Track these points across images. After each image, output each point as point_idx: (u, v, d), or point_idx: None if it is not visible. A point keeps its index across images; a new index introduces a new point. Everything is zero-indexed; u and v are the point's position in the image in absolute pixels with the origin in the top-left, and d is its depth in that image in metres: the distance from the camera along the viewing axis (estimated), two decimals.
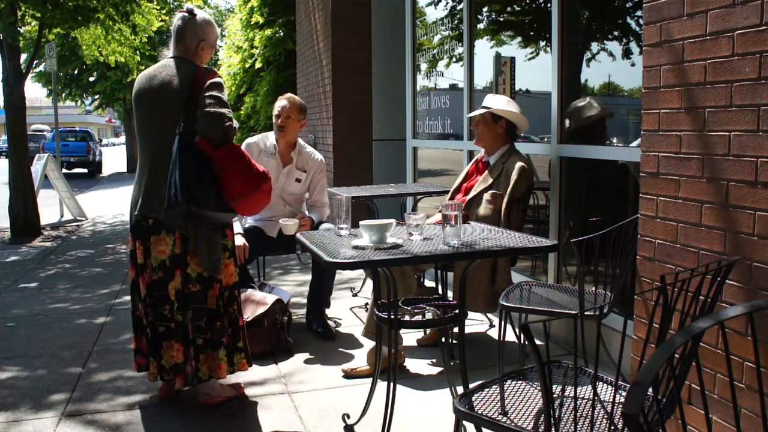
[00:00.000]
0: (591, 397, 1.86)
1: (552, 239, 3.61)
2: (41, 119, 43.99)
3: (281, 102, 4.04)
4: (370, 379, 2.80)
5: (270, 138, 4.06)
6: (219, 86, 2.76)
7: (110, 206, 12.23)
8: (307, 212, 4.14)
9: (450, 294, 4.00)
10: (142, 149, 2.89)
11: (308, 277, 4.42)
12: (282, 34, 11.17)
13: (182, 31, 2.87)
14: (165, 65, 2.86)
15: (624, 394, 1.84)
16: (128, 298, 4.96)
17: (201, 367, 2.87)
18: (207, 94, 2.70)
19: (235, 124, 2.77)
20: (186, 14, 2.88)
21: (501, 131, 3.56)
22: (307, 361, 3.52)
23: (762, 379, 1.60)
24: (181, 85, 2.76)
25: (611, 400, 1.72)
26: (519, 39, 4.66)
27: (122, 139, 51.79)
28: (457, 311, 2.64)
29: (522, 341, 3.20)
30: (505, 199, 3.37)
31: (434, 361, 3.45)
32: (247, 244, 3.73)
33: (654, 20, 2.32)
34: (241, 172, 2.75)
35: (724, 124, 2.05)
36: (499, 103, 3.58)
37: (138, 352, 2.98)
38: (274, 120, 4.03)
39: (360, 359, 3.48)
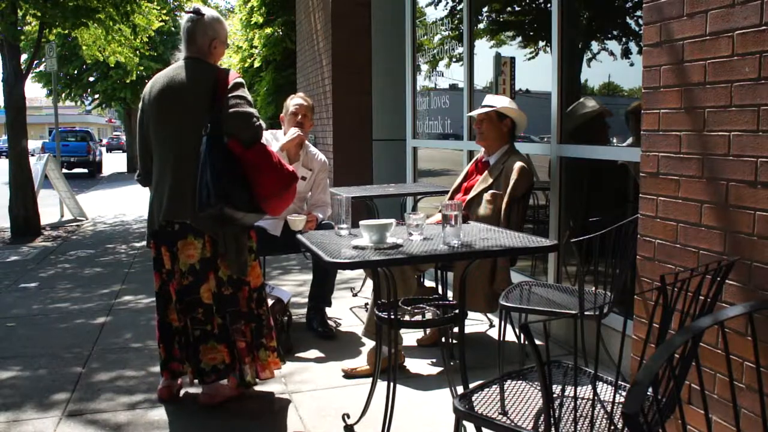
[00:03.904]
0: (591, 397, 1.86)
1: (552, 239, 3.61)
2: (41, 119, 44.02)
3: (297, 100, 4.03)
4: (370, 379, 2.80)
5: (280, 136, 4.05)
6: (243, 86, 2.77)
7: (110, 206, 12.23)
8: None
9: (450, 294, 4.01)
10: (160, 152, 2.84)
11: (308, 276, 4.43)
12: (281, 33, 11.18)
13: (192, 31, 2.85)
14: (181, 66, 2.84)
15: (624, 394, 1.84)
16: (128, 298, 5.02)
17: (249, 370, 2.89)
18: (233, 94, 2.70)
19: (263, 123, 2.78)
20: (194, 15, 2.86)
21: (506, 130, 3.57)
22: (307, 361, 3.53)
23: (762, 379, 1.60)
24: (203, 85, 2.75)
25: (611, 400, 1.72)
26: (519, 39, 4.66)
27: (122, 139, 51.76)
28: (457, 311, 2.64)
29: (522, 341, 3.20)
30: (505, 199, 3.37)
31: (434, 361, 3.45)
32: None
33: (654, 20, 2.32)
34: (273, 171, 2.75)
35: (724, 124, 2.05)
36: (503, 102, 3.59)
37: (170, 360, 2.95)
38: (289, 117, 4.01)
39: (360, 359, 3.48)
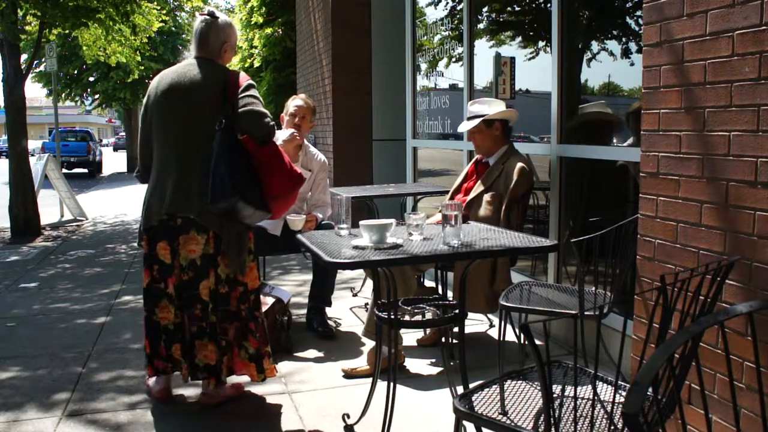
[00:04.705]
0: (591, 397, 1.86)
1: (552, 239, 3.61)
2: (41, 119, 44.03)
3: (297, 102, 4.04)
4: (370, 379, 2.80)
5: (278, 135, 4.04)
6: (255, 87, 2.83)
7: (110, 206, 12.23)
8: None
9: (450, 294, 4.01)
10: (164, 147, 2.84)
11: (308, 276, 4.43)
12: (281, 33, 11.18)
13: (205, 33, 2.88)
14: (191, 65, 2.86)
15: (624, 394, 1.84)
16: (128, 298, 5.02)
17: (224, 368, 2.89)
18: (246, 93, 2.75)
19: (275, 124, 2.82)
20: (208, 17, 2.91)
21: (498, 134, 3.56)
22: (307, 361, 3.53)
23: (762, 379, 1.60)
24: (215, 85, 2.78)
25: (611, 400, 1.72)
26: (519, 39, 4.66)
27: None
28: (457, 311, 2.64)
29: (522, 341, 3.20)
30: (505, 200, 3.37)
31: (434, 361, 3.45)
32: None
33: (654, 20, 2.32)
34: (283, 171, 2.78)
35: (724, 124, 2.05)
36: (486, 108, 3.57)
37: (154, 357, 2.95)
38: (288, 118, 4.02)
39: (360, 359, 3.49)
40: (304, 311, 4.18)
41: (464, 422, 2.03)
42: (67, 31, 9.23)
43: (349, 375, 3.27)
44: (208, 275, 2.81)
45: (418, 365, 3.40)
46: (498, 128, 3.55)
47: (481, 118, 3.52)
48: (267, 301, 3.59)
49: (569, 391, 1.89)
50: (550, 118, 3.76)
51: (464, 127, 3.65)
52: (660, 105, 2.31)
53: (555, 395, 1.81)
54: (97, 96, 23.19)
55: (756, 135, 1.94)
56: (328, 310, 4.09)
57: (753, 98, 1.94)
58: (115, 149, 47.10)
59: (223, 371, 2.89)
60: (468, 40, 4.84)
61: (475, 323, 4.04)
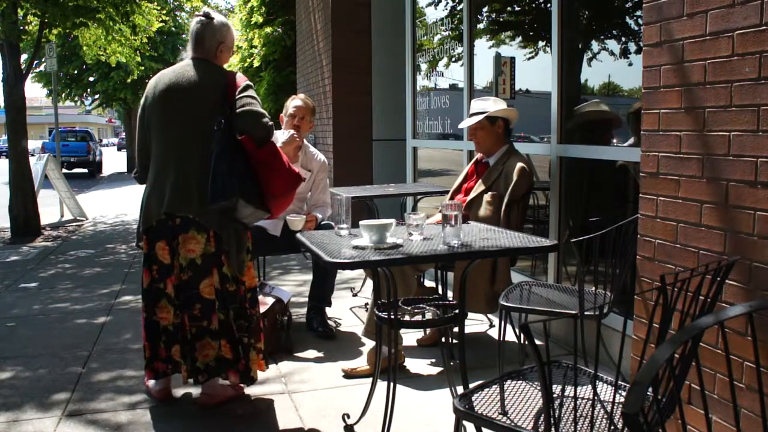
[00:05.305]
0: (591, 397, 1.86)
1: (552, 239, 3.61)
2: (41, 119, 44.04)
3: (296, 102, 4.03)
4: (370, 379, 2.80)
5: (278, 136, 4.04)
6: (252, 88, 2.84)
7: (110, 206, 12.24)
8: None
9: (450, 294, 4.00)
10: (163, 147, 2.84)
11: (308, 277, 4.43)
12: (280, 31, 11.18)
13: (201, 34, 2.88)
14: (189, 65, 2.87)
15: (624, 394, 1.84)
16: (128, 298, 5.02)
17: (252, 366, 2.91)
18: (244, 94, 2.76)
19: (273, 124, 2.83)
20: (204, 18, 2.90)
21: (500, 131, 3.56)
22: (307, 361, 3.53)
23: (762, 379, 1.60)
24: (215, 84, 2.79)
25: (611, 400, 1.72)
26: (519, 39, 4.66)
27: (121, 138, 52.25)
28: (457, 311, 2.64)
29: (522, 341, 3.20)
30: (505, 200, 3.37)
31: (434, 361, 3.45)
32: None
33: (654, 20, 2.32)
34: (283, 171, 2.80)
35: (724, 124, 2.05)
36: (489, 106, 3.57)
37: (154, 359, 2.93)
38: (287, 119, 4.02)
39: (360, 359, 3.48)
40: (304, 311, 4.18)
41: (464, 422, 2.03)
42: (67, 31, 9.23)
43: (349, 375, 3.27)
44: (210, 274, 2.81)
45: (418, 365, 3.40)
46: (500, 126, 3.55)
47: (484, 114, 3.52)
48: (267, 301, 3.59)
49: (569, 391, 1.89)
50: (550, 118, 3.76)
51: (467, 123, 3.64)
52: (660, 105, 2.31)
53: (555, 395, 1.80)
54: (97, 96, 23.19)
55: (756, 135, 1.94)
56: (328, 310, 4.09)
57: (753, 98, 1.94)
58: (119, 149, 47.46)
59: (251, 369, 2.90)
60: (468, 40, 4.84)
61: (475, 323, 4.04)
